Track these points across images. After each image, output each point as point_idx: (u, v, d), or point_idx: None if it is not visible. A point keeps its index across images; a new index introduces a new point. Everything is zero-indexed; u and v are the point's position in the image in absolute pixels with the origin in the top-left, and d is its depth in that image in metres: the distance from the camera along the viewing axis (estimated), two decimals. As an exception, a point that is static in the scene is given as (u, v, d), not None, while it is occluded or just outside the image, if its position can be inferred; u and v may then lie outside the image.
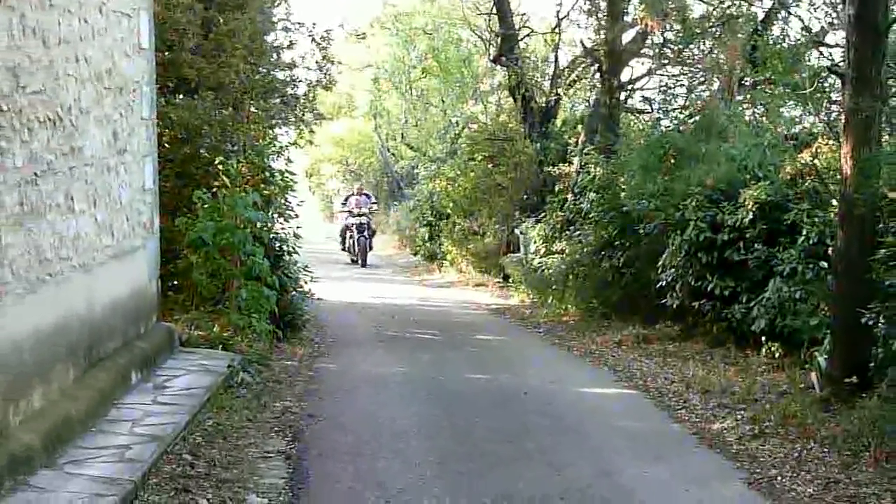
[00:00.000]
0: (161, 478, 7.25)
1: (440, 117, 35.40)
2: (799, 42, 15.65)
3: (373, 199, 31.89)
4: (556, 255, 19.30)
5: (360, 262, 28.85)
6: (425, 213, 30.95)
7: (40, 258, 7.58)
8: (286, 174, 14.59)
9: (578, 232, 18.74)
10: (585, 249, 17.94)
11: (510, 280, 22.88)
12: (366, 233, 29.23)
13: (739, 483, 8.00)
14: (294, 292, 14.62)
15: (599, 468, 8.33)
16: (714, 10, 19.15)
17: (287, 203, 14.84)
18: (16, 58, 7.10)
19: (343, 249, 30.25)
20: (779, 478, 8.06)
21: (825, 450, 8.69)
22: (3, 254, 6.88)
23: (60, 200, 8.06)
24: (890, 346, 9.38)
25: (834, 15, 16.27)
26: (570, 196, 20.28)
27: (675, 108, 19.95)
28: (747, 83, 17.20)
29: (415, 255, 32.15)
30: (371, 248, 29.98)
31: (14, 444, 6.82)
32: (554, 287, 18.70)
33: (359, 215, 29.05)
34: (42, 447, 7.12)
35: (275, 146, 15.32)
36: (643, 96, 22.21)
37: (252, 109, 14.95)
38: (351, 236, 29.49)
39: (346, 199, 30.83)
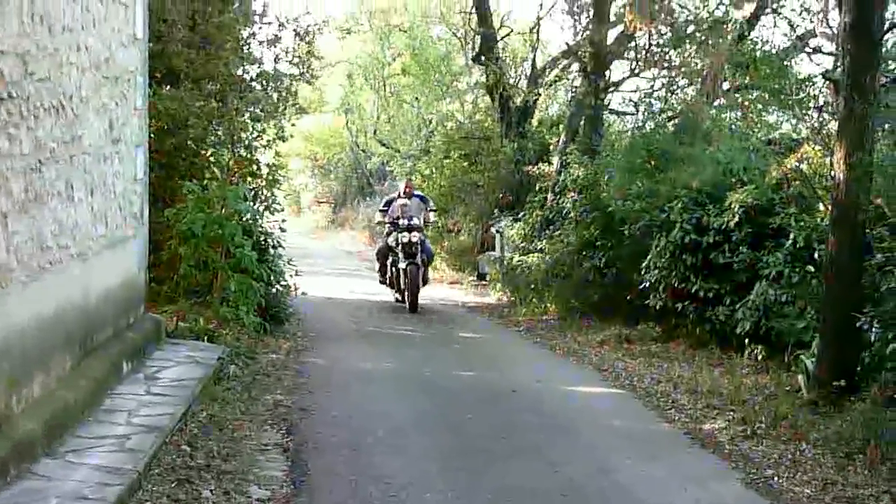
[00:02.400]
0: (163, 468, 7.23)
1: (414, 114, 35.37)
2: (786, 47, 15.78)
3: (430, 205, 20.29)
4: (535, 254, 19.33)
5: (407, 303, 17.95)
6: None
7: (42, 246, 7.53)
8: (273, 167, 14.57)
9: (559, 231, 18.80)
10: (567, 249, 17.99)
11: (486, 278, 22.91)
12: (419, 257, 17.97)
13: (737, 483, 8.05)
14: (279, 286, 14.55)
15: (596, 466, 8.36)
16: (700, 13, 19.23)
17: (273, 196, 14.81)
18: (25, 44, 7.05)
19: (383, 281, 19.13)
20: (776, 478, 8.12)
21: (818, 451, 8.76)
22: (10, 240, 6.83)
23: (61, 188, 8.02)
24: (882, 349, 9.46)
25: (821, 21, 16.39)
26: (550, 195, 20.32)
27: (659, 111, 19.99)
28: (732, 87, 17.24)
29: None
30: (426, 282, 18.95)
31: (17, 431, 6.77)
32: (533, 286, 18.73)
33: (408, 228, 18.01)
34: (43, 435, 7.08)
35: (262, 139, 15.29)
36: (629, 98, 22.26)
37: (238, 102, 14.89)
38: (395, 262, 18.34)
39: (388, 204, 19.54)
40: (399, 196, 19.35)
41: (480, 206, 25.26)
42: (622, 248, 16.30)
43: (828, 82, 12.21)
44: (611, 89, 21.42)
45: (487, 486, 7.66)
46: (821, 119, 13.33)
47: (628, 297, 15.76)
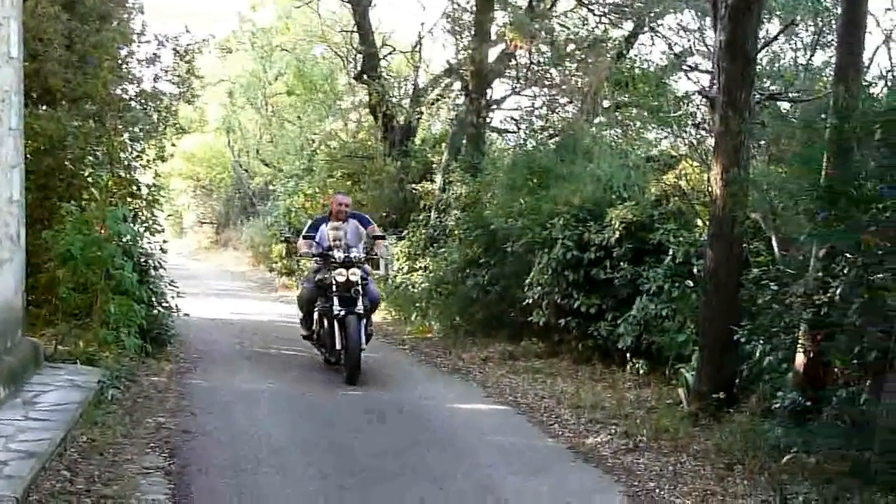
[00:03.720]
0: (42, 494, 7.02)
1: (297, 134, 35.19)
2: (664, 65, 16.06)
3: (376, 229, 14.62)
4: (420, 272, 19.32)
5: (345, 370, 12.76)
6: (283, 230, 30.65)
7: None
8: (153, 188, 14.36)
9: (443, 249, 18.81)
10: (450, 267, 17.98)
11: (370, 297, 22.82)
12: (360, 303, 13.05)
13: (619, 496, 8.10)
14: (160, 307, 14.29)
15: (480, 483, 8.34)
16: (580, 32, 19.49)
17: (154, 217, 14.57)
18: None
19: (307, 336, 14.34)
20: (657, 490, 8.19)
21: (699, 463, 8.88)
22: None
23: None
24: (760, 362, 9.63)
25: (698, 39, 16.72)
26: (434, 213, 20.35)
27: (540, 128, 20.19)
28: (612, 105, 17.50)
29: (270, 271, 31.76)
30: (370, 337, 13.77)
31: None
32: (418, 304, 18.70)
33: (345, 264, 13.13)
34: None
35: (142, 159, 15.05)
36: (511, 116, 22.44)
37: (117, 122, 14.63)
38: (325, 311, 13.31)
39: (314, 229, 14.12)
40: (329, 218, 13.87)
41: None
42: (505, 266, 16.35)
43: (705, 99, 12.43)
44: (493, 107, 21.59)
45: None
46: (698, 136, 13.57)
47: (512, 314, 15.83)
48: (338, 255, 13.15)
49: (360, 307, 12.84)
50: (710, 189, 11.04)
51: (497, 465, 8.94)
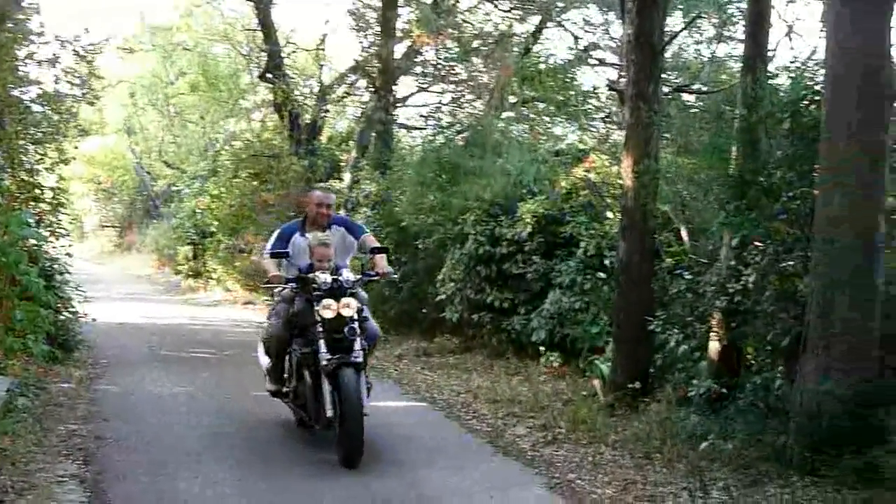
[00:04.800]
0: (-48, 507, 6.84)
1: (200, 134, 34.86)
2: (570, 60, 16.17)
3: (369, 238, 10.13)
4: (329, 272, 19.19)
5: (342, 448, 8.57)
6: (188, 232, 30.34)
7: None
8: (58, 191, 14.09)
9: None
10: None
11: (281, 298, 22.61)
12: (358, 346, 8.79)
13: (540, 488, 8.10)
14: (67, 312, 14.02)
15: (404, 480, 8.29)
16: (485, 28, 19.55)
17: (59, 221, 14.30)
18: None
19: (275, 391, 10.01)
20: (577, 481, 8.21)
21: (617, 453, 8.93)
22: None
23: None
24: (674, 351, 9.75)
25: (604, 33, 16.88)
26: (343, 212, 20.25)
27: (448, 124, 20.21)
28: (519, 100, 17.59)
29: (177, 274, 31.43)
30: (369, 391, 9.37)
31: None
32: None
33: (334, 292, 8.86)
34: None
35: (45, 162, 14.76)
36: (419, 113, 22.45)
37: (17, 125, 14.33)
38: (306, 357, 9.03)
39: (285, 240, 9.86)
40: (305, 225, 9.96)
41: (272, 225, 24.92)
42: (417, 262, 16.36)
43: (613, 92, 12.55)
44: (400, 104, 21.57)
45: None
46: (606, 129, 13.70)
47: (425, 311, 15.84)
48: (323, 278, 8.86)
49: (357, 353, 8.65)
50: (621, 182, 11.15)
51: (419, 462, 8.89)
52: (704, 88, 14.65)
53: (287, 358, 9.60)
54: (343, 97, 25.20)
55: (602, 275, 12.38)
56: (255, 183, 25.77)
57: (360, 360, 8.69)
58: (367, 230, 10.49)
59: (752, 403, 8.53)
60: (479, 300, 14.27)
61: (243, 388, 12.41)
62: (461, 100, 20.89)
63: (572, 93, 16.29)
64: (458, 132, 19.35)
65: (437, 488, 8.11)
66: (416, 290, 16.27)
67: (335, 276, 8.93)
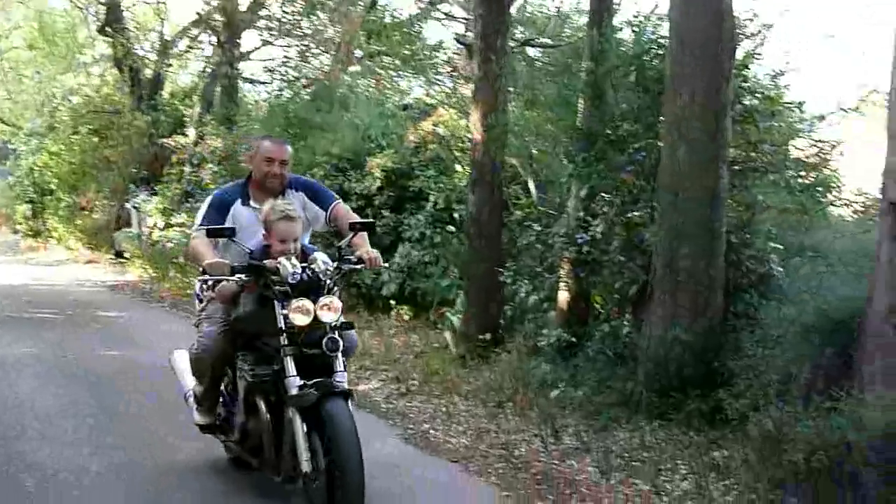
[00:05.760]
0: None
1: (36, 89, 33.78)
2: (416, 14, 16.16)
3: (345, 210, 6.82)
4: (175, 229, 18.92)
5: None
6: (27, 190, 29.50)
7: None
8: None
9: (199, 204, 18.42)
10: (207, 221, 17.64)
11: (124, 255, 22.23)
12: (340, 371, 5.82)
13: (396, 439, 8.15)
14: None
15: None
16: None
17: None
18: None
19: (211, 426, 6.88)
20: (432, 431, 8.29)
21: (471, 403, 9.05)
22: None
23: None
24: (525, 302, 9.89)
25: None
26: (188, 168, 19.95)
27: (294, 79, 20.01)
28: (365, 54, 17.53)
29: (15, 233, 30.57)
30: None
31: None
32: (175, 261, 18.33)
33: (308, 285, 5.80)
34: None
35: None
36: (265, 67, 22.17)
37: None
38: (262, 386, 6.04)
39: (217, 208, 6.53)
40: (249, 188, 6.79)
41: (114, 182, 24.45)
42: (263, 217, 16.19)
43: (461, 46, 12.59)
44: (245, 58, 21.27)
45: (149, 464, 7.41)
46: (454, 83, 13.76)
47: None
48: (290, 268, 5.86)
49: (341, 376, 5.87)
50: (469, 135, 11.22)
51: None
52: (551, 42, 14.81)
53: (224, 380, 6.74)
54: (186, 51, 24.74)
55: (452, 228, 12.48)
56: (95, 139, 25.20)
57: (346, 386, 5.84)
58: (337, 196, 7.01)
59: (600, 351, 8.70)
60: (329, 255, 14.20)
61: (89, 348, 12.22)
62: (307, 53, 20.68)
63: (419, 46, 16.31)
64: (305, 86, 19.20)
65: (291, 443, 8.09)
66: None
67: (307, 265, 5.88)
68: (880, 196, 6.48)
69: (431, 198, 12.91)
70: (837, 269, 7.43)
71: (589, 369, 8.64)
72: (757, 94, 8.94)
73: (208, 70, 21.72)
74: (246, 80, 22.63)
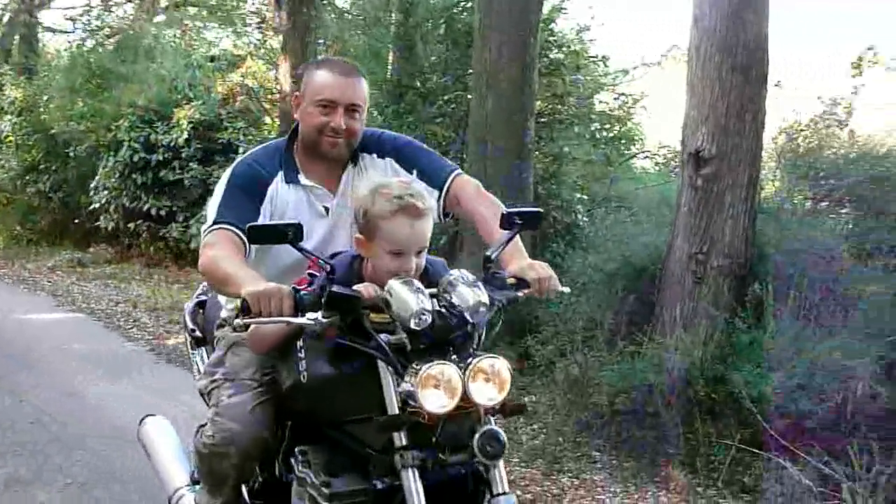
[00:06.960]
0: None
1: None
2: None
3: (467, 183, 3.52)
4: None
5: None
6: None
7: None
8: None
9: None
10: (8, 175, 17.10)
11: None
12: (500, 479, 2.93)
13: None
14: None
15: (63, 391, 8.06)
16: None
17: None
18: None
19: None
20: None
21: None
22: None
23: None
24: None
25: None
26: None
27: (98, 28, 19.41)
28: (171, 4, 17.18)
29: None
30: None
31: None
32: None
33: (445, 339, 2.82)
34: None
35: None
36: (66, 16, 21.42)
37: None
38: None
39: (250, 194, 3.32)
40: (297, 153, 3.52)
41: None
42: (68, 171, 15.80)
43: (269, -3, 12.47)
44: (45, 6, 20.56)
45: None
46: (263, 35, 13.63)
47: (77, 221, 15.37)
48: (411, 302, 2.78)
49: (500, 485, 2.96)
50: (278, 86, 11.14)
51: (79, 372, 8.68)
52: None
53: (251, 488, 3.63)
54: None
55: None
56: None
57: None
58: (454, 164, 3.77)
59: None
60: (136, 208, 13.98)
61: None
62: (110, 2, 20.08)
63: None
64: (109, 36, 18.66)
65: (99, 397, 7.94)
66: (68, 199, 15.73)
67: (438, 293, 2.94)
68: (680, 148, 6.72)
69: (240, 150, 12.76)
70: (640, 218, 7.67)
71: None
72: (563, 49, 9.13)
73: (5, 18, 20.86)
74: (47, 28, 21.86)
